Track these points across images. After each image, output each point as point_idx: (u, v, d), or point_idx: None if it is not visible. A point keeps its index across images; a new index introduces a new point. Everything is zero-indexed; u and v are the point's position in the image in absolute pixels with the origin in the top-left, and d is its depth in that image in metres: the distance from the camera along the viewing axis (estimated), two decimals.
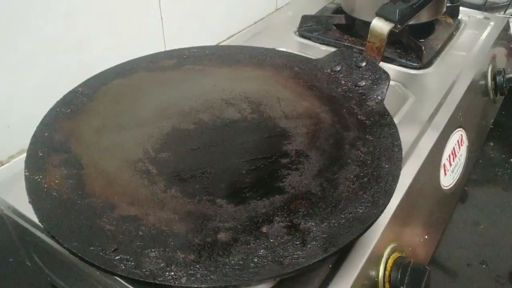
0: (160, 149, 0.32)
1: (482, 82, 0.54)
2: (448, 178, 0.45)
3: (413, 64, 0.50)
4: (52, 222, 0.26)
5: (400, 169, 0.29)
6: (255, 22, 0.62)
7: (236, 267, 0.23)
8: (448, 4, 0.58)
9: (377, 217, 0.26)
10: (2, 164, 0.38)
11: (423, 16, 0.52)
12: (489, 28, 0.60)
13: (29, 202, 0.27)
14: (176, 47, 0.45)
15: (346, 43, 0.54)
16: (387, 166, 0.30)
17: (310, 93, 0.39)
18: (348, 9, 0.57)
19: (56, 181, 0.29)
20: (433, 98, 0.45)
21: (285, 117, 0.36)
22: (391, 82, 0.41)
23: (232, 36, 0.59)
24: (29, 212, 0.27)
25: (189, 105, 0.37)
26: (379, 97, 0.38)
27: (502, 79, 0.55)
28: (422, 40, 0.54)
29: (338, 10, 0.62)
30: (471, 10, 0.64)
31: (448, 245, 0.44)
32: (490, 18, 0.62)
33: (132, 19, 0.44)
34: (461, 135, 0.46)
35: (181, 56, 0.43)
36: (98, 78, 0.39)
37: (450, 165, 0.45)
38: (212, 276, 0.23)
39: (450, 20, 0.60)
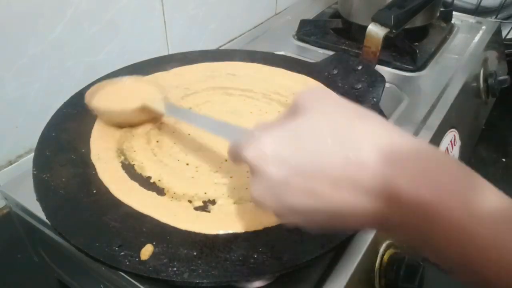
0: None
1: (475, 84, 0.55)
2: None
3: (408, 67, 0.51)
4: (59, 219, 0.27)
5: None
6: (255, 26, 0.64)
7: (237, 262, 0.24)
8: (441, 9, 0.59)
9: None
10: (11, 163, 0.39)
11: (418, 21, 0.53)
12: (481, 32, 0.61)
13: (37, 199, 0.28)
14: (179, 51, 0.46)
15: (343, 47, 0.56)
16: None
17: None
18: (345, 14, 0.58)
19: (63, 180, 0.29)
20: (427, 100, 0.46)
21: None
22: (387, 84, 0.43)
23: (233, 40, 0.60)
24: (37, 209, 0.28)
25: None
26: (374, 99, 0.39)
27: (493, 81, 0.56)
28: (417, 43, 0.55)
29: (335, 15, 0.63)
30: (464, 14, 0.65)
31: None
32: (482, 22, 0.63)
33: (136, 24, 0.45)
34: (454, 135, 0.47)
35: (184, 59, 0.44)
36: (104, 80, 0.40)
37: None
38: (214, 272, 0.24)
39: (443, 24, 0.61)
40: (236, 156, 0.21)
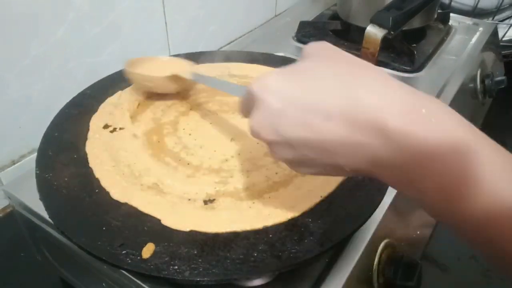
0: None
1: (472, 85, 0.56)
2: None
3: (406, 68, 0.51)
4: (62, 218, 0.27)
5: None
6: (255, 28, 0.64)
7: (237, 261, 0.24)
8: (439, 11, 0.60)
9: (371, 214, 0.27)
10: (14, 163, 0.39)
11: (415, 22, 0.54)
12: (478, 34, 0.62)
13: (40, 199, 0.28)
14: (180, 52, 0.46)
15: (342, 48, 0.56)
16: None
17: None
18: (343, 16, 0.58)
19: (65, 179, 0.30)
20: None
21: None
22: None
23: (233, 41, 0.61)
24: (40, 208, 0.28)
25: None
26: None
27: (490, 82, 0.56)
28: (415, 45, 0.56)
29: (334, 16, 0.64)
30: (461, 16, 0.66)
31: (439, 241, 0.45)
32: (479, 24, 0.64)
33: (138, 25, 0.45)
34: None
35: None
36: (106, 81, 0.40)
37: None
38: (214, 270, 0.24)
39: (441, 26, 0.62)
40: (244, 104, 0.23)
